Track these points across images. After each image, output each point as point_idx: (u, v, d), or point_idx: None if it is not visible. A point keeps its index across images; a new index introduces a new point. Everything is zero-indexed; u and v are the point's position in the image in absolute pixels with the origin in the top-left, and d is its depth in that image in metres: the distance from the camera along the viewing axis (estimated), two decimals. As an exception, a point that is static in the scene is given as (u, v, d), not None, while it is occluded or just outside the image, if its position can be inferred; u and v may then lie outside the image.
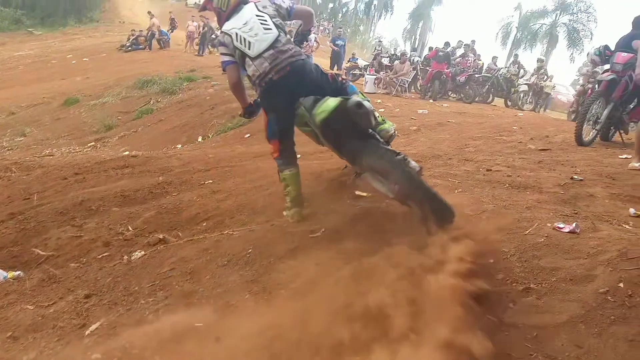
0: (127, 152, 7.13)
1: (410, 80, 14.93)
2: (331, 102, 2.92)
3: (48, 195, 4.54)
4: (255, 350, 2.00)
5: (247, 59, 3.16)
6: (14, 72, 20.70)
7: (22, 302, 2.75)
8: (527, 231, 2.77)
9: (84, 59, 21.56)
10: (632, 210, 3.20)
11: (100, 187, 4.59)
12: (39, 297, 2.79)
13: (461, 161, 4.90)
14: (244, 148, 5.72)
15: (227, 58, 3.27)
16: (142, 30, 23.61)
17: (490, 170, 4.43)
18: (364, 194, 3.72)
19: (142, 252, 3.16)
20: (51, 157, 7.71)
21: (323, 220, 3.22)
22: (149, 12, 25.16)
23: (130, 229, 3.60)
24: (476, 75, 14.80)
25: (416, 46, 46.60)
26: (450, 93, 14.89)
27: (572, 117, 11.93)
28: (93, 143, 9.97)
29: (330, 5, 64.46)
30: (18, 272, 3.25)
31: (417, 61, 16.35)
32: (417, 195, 2.61)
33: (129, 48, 22.62)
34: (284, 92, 3.17)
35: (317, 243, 2.93)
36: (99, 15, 38.61)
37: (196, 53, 21.68)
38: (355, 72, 17.30)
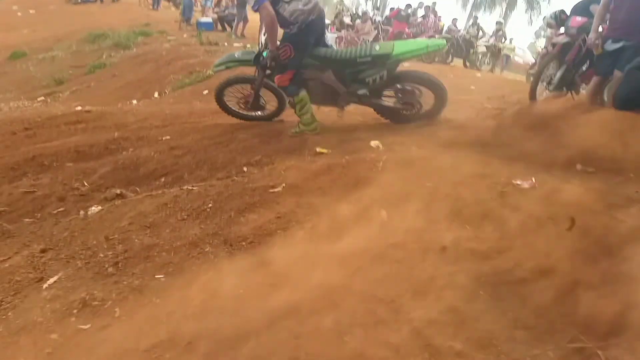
0: (79, 107, 6.86)
1: (372, 39, 14.86)
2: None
3: (-3, 150, 4.37)
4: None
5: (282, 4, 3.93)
6: (-48, 24, 19.31)
7: (-26, 257, 2.68)
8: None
9: (31, 11, 20.30)
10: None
11: (53, 142, 4.44)
12: (-8, 252, 2.73)
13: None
14: (202, 105, 5.61)
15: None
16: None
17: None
18: (325, 151, 3.76)
19: (99, 207, 3.11)
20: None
21: (283, 176, 3.24)
22: None
23: (85, 184, 3.52)
24: (436, 36, 14.85)
25: (378, 6, 46.09)
26: (410, 53, 14.94)
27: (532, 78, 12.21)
28: (43, 98, 9.53)
29: (292, -40, 62.53)
30: (-32, 228, 3.15)
31: (379, 21, 16.23)
32: None
33: (79, 0, 21.43)
34: (316, 32, 4.12)
35: (277, 197, 2.96)
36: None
37: (151, 7, 20.76)
38: (316, 30, 17.03)
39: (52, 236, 2.79)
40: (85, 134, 4.70)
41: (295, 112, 4.42)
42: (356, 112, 5.39)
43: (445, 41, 5.02)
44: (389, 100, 4.52)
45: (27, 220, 3.16)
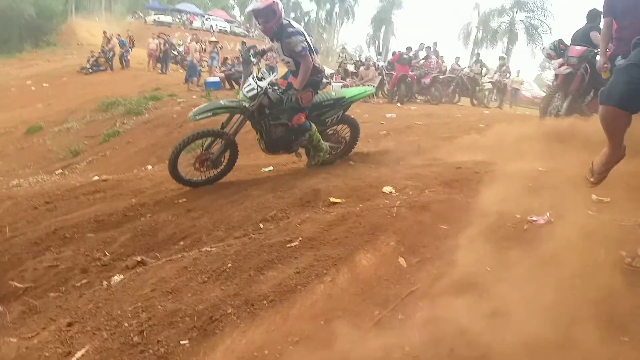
0: (96, 177, 7.05)
1: (376, 85, 15.17)
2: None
3: (20, 226, 4.48)
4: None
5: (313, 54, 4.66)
6: (-29, 103, 20.17)
7: (4, 335, 2.72)
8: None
9: (44, 85, 21.16)
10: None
11: (73, 214, 4.55)
12: (21, 329, 2.77)
13: (430, 160, 5.03)
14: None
15: (305, 45, 4.56)
16: (101, 49, 23.35)
17: (460, 168, 4.58)
18: (338, 201, 3.81)
19: (122, 276, 3.15)
20: (19, 187, 7.56)
21: (299, 229, 3.28)
22: (104, 32, 24.94)
23: (107, 253, 3.59)
24: (440, 77, 15.10)
25: (381, 51, 47.27)
26: (417, 96, 15.15)
27: None
28: (61, 170, 9.80)
29: (292, 14, 64.86)
30: (-4, 307, 3.21)
31: (383, 66, 16.62)
32: None
33: (90, 70, 22.35)
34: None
35: (295, 252, 2.99)
36: (55, 38, 37.93)
37: (159, 71, 21.53)
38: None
39: (77, 309, 2.83)
40: (103, 203, 4.81)
41: (310, 144, 4.97)
42: (361, 159, 5.48)
43: (373, 88, 6.59)
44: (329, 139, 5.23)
45: (52, 294, 3.21)
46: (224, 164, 4.83)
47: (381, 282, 2.59)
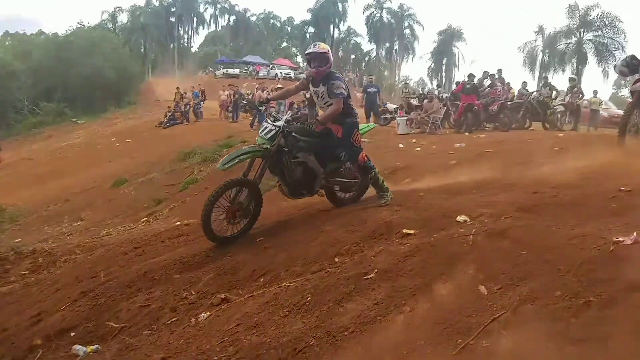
0: (178, 222, 7.47)
1: (442, 116, 15.08)
2: None
3: (113, 270, 4.81)
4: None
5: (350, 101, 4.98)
6: (64, 162, 22.08)
7: (104, 372, 2.93)
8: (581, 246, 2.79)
9: (127, 140, 22.81)
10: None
11: (160, 257, 4.84)
12: (119, 365, 2.97)
13: (504, 187, 4.92)
14: (287, 203, 5.91)
15: (345, 92, 4.84)
16: (175, 104, 24.95)
17: (537, 192, 4.45)
18: (412, 232, 3.81)
19: (208, 313, 3.32)
20: (109, 236, 8.14)
21: (374, 262, 3.32)
22: (177, 88, 26.77)
23: (193, 292, 3.78)
24: (508, 103, 14.78)
25: (443, 83, 47.03)
26: (485, 124, 14.87)
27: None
28: (146, 218, 10.43)
29: (353, 56, 66.30)
30: (96, 346, 3.44)
31: (447, 97, 16.52)
32: None
33: (167, 124, 23.86)
34: None
35: (371, 284, 3.02)
36: (135, 97, 41.11)
37: (231, 120, 22.63)
38: (386, 116, 17.58)
39: (169, 345, 3.00)
40: (187, 245, 5.09)
41: (376, 185, 5.09)
42: (431, 190, 5.45)
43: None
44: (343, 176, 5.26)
45: (145, 332, 3.42)
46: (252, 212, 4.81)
47: (462, 311, 2.55)
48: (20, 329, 4.07)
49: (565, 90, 15.66)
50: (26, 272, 6.12)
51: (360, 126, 5.30)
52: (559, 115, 14.72)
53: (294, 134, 4.81)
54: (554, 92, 15.43)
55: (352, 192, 5.41)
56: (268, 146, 4.67)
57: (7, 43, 44.23)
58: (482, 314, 2.45)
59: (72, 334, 3.73)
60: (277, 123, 4.74)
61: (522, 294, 2.49)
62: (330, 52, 4.89)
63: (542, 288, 2.45)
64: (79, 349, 3.41)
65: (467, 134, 13.53)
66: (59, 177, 18.22)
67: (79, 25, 48.78)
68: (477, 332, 2.30)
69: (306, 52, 4.94)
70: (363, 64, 65.75)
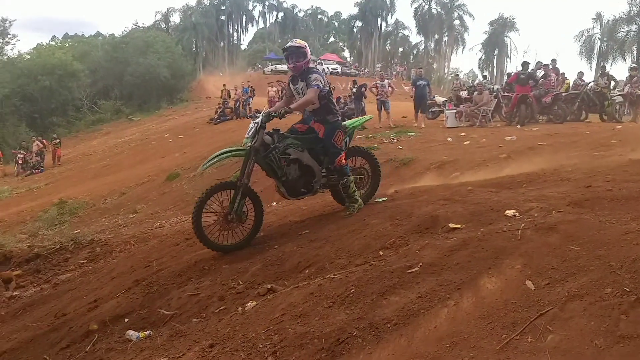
0: (227, 215, 7.63)
1: (492, 109, 14.68)
2: None
3: (165, 261, 5.01)
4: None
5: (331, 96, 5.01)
6: (121, 157, 23.08)
7: (156, 356, 3.06)
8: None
9: (179, 136, 23.52)
10: None
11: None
12: (170, 350, 3.10)
13: (556, 181, 4.76)
14: (332, 197, 5.95)
15: (321, 84, 4.78)
16: (222, 101, 25.50)
17: (590, 186, 4.28)
18: (458, 226, 3.76)
19: (254, 302, 3.40)
20: (162, 228, 8.44)
21: (419, 255, 3.30)
22: (224, 85, 27.54)
23: (240, 282, 3.89)
24: (563, 94, 14.19)
25: (495, 74, 45.68)
26: (538, 116, 14.31)
27: None
28: (196, 211, 10.73)
29: (400, 49, 65.52)
30: (148, 332, 3.61)
31: (498, 89, 16.05)
32: None
33: (218, 120, 24.38)
34: None
35: (415, 277, 3.01)
36: (187, 95, 42.32)
37: (279, 116, 22.87)
38: (434, 109, 17.30)
39: (217, 332, 3.10)
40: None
41: (345, 191, 4.96)
42: (479, 184, 5.33)
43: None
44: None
45: (195, 320, 3.55)
46: (250, 215, 4.73)
47: (508, 306, 2.51)
48: (78, 314, 4.32)
49: (625, 80, 14.88)
50: (84, 261, 6.47)
51: (357, 119, 5.38)
52: (618, 107, 13.99)
53: (280, 130, 4.79)
54: (612, 82, 14.69)
55: (361, 191, 5.26)
56: (250, 144, 4.61)
57: (67, 45, 46.43)
58: (528, 309, 2.40)
59: (126, 320, 3.92)
60: (256, 120, 4.70)
61: (571, 289, 2.41)
62: (307, 48, 4.91)
63: (592, 284, 2.37)
64: (132, 334, 3.59)
65: (518, 126, 13.10)
66: (116, 172, 19.06)
67: (134, 26, 50.89)
68: (522, 327, 2.26)
69: (283, 48, 4.98)
70: (411, 56, 64.84)
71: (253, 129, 4.63)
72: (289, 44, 4.92)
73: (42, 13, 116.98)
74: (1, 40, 41.23)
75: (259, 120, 4.67)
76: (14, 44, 41.00)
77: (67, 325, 4.14)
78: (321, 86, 4.76)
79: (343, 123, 5.15)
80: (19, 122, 35.13)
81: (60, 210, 12.50)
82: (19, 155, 25.80)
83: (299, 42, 4.92)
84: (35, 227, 11.28)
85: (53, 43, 50.46)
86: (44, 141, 27.11)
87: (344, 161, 4.93)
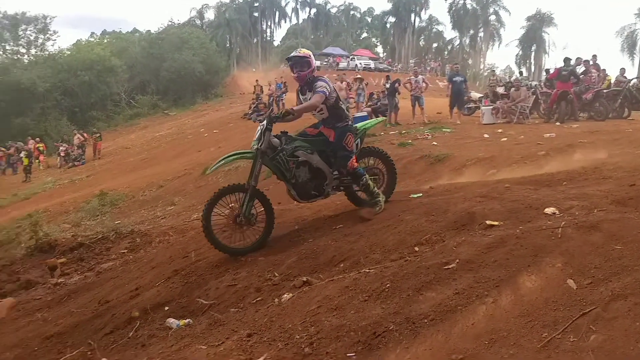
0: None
1: (530, 105, 14.35)
2: None
3: (203, 252, 5.11)
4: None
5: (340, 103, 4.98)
6: (158, 151, 23.60)
7: (196, 343, 3.14)
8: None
9: (214, 131, 23.89)
10: None
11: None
12: (209, 338, 3.17)
13: (598, 179, 4.65)
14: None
15: (327, 91, 4.72)
16: (255, 96, 25.72)
17: (634, 185, 4.16)
18: (496, 223, 3.72)
19: (290, 294, 3.45)
20: (199, 220, 8.59)
21: (456, 252, 3.28)
22: (257, 81, 27.66)
23: (276, 274, 3.94)
24: (604, 91, 13.75)
25: (532, 71, 44.59)
26: (579, 113, 13.90)
27: None
28: (232, 204, 10.90)
29: (435, 45, 64.65)
30: (188, 320, 3.71)
31: (536, 85, 15.67)
32: None
33: (252, 116, 24.64)
34: None
35: (452, 274, 3.00)
36: (222, 90, 42.86)
37: (312, 111, 22.91)
38: (470, 106, 17.02)
39: (254, 322, 3.16)
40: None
41: (368, 191, 4.91)
42: (517, 181, 5.24)
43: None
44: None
45: (232, 310, 3.63)
46: (260, 217, 4.76)
47: (548, 304, 2.48)
48: (121, 302, 4.46)
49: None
50: (125, 251, 6.67)
51: (368, 121, 5.30)
52: (663, 104, 13.47)
53: (288, 132, 4.79)
54: (657, 78, 14.15)
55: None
56: (257, 146, 4.63)
57: (105, 41, 47.67)
58: (570, 308, 2.38)
59: (167, 308, 4.03)
60: (263, 123, 4.69)
61: (614, 289, 2.37)
62: (312, 57, 4.89)
63: (637, 284, 2.33)
64: (172, 322, 3.70)
65: (558, 123, 12.77)
66: (153, 165, 19.52)
67: (170, 23, 51.82)
68: (564, 326, 2.24)
69: (287, 58, 4.99)
70: (445, 52, 63.88)
71: (259, 131, 4.66)
72: (293, 54, 4.95)
73: (81, 10, 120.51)
74: (42, 37, 42.84)
75: (264, 122, 4.69)
76: (55, 40, 42.48)
77: (110, 312, 4.29)
78: (327, 93, 4.71)
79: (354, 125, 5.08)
80: (60, 115, 36.36)
81: (101, 201, 12.87)
82: (61, 147, 26.71)
83: (303, 52, 4.93)
84: (78, 217, 11.68)
85: (92, 39, 51.75)
86: (85, 134, 27.98)
87: (355, 164, 4.89)
